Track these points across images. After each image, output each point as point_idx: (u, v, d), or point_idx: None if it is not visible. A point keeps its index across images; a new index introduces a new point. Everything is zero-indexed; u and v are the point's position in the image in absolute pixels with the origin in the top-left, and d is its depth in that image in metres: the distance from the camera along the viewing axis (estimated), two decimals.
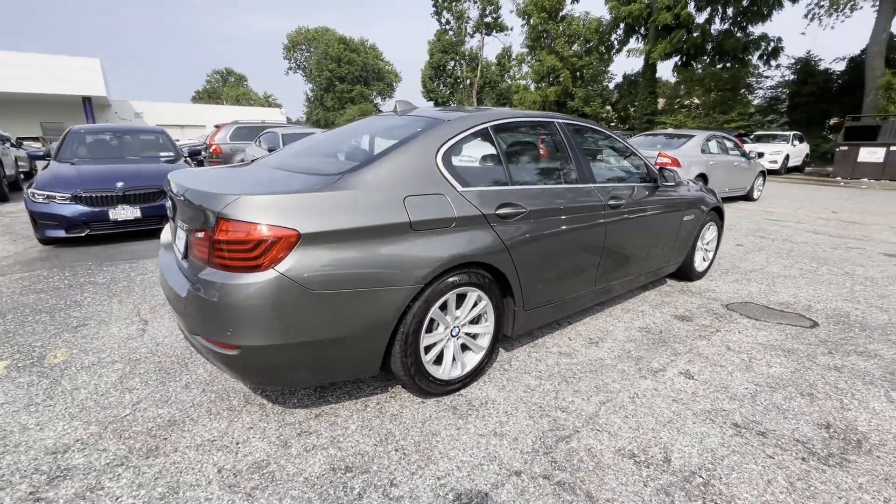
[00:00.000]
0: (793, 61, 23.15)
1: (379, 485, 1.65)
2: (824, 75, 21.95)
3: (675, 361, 2.63)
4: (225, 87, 63.79)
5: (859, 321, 3.25)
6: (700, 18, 24.23)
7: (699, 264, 4.10)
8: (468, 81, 42.76)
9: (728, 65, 24.51)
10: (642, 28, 26.75)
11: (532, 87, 36.80)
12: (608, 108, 30.30)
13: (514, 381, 2.38)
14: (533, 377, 2.43)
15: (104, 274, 4.06)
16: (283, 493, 1.61)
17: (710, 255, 4.23)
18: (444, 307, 2.10)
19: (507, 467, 1.75)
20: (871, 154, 14.41)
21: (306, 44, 55.14)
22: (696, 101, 24.94)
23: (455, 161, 2.21)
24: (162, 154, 6.49)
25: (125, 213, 5.10)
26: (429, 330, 2.08)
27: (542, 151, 2.80)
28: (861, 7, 20.18)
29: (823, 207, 9.01)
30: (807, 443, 1.94)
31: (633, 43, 27.98)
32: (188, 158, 6.65)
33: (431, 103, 44.20)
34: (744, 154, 9.30)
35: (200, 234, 1.76)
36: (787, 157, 16.30)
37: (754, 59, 24.55)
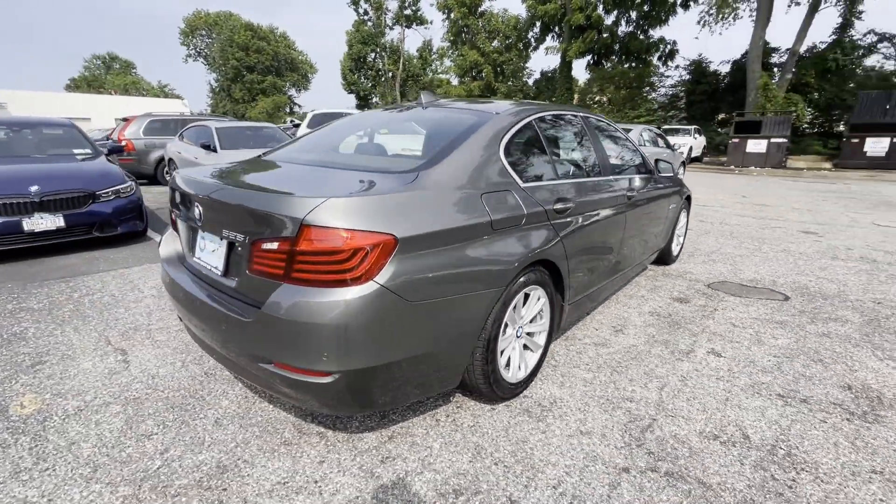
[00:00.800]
0: (688, 63, 25.99)
1: None
2: (714, 76, 24.92)
3: (698, 342, 2.79)
4: (109, 75, 56.20)
5: (819, 292, 3.72)
6: (609, 20, 26.21)
7: (674, 249, 4.41)
8: (390, 74, 42.06)
9: (634, 64, 26.83)
10: (557, 27, 28.26)
11: (455, 81, 37.23)
12: None
13: (569, 377, 2.37)
14: (584, 370, 2.43)
15: (36, 297, 3.34)
16: None
17: (682, 239, 4.58)
18: (513, 308, 2.02)
19: (613, 465, 1.73)
20: (756, 145, 16.67)
21: (207, 29, 50.32)
22: (606, 97, 26.97)
23: (513, 155, 2.12)
24: (76, 151, 5.49)
25: (44, 222, 4.25)
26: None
27: (574, 145, 2.80)
28: (742, 17, 23.18)
29: (733, 192, 10.22)
30: (842, 404, 2.16)
31: (550, 41, 29.56)
32: (109, 156, 5.72)
33: (353, 96, 42.85)
34: (668, 145, 10.24)
35: (272, 245, 1.48)
36: (691, 148, 18.28)
37: (654, 59, 27.15)
